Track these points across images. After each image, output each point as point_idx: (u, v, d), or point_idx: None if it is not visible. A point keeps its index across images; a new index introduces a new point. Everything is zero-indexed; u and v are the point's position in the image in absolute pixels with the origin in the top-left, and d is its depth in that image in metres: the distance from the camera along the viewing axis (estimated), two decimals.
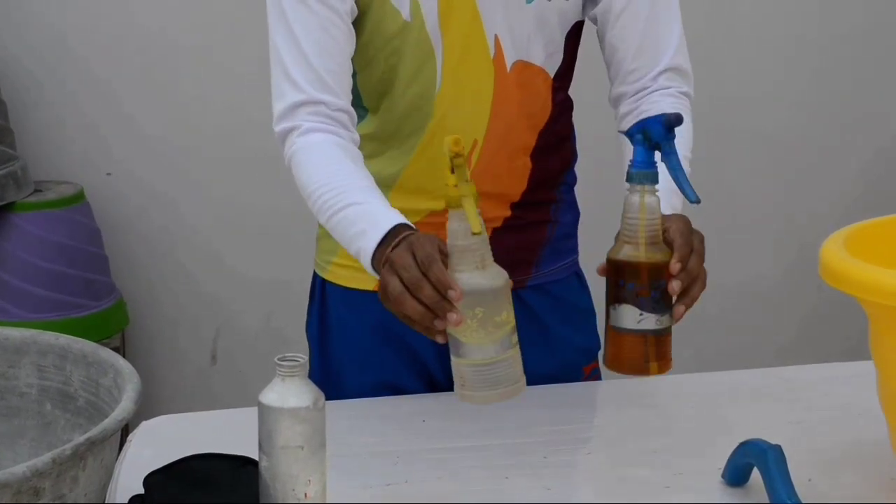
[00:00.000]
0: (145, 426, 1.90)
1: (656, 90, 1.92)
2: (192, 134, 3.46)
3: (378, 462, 1.77)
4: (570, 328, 2.06)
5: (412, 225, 1.70)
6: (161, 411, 1.97)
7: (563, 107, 1.99)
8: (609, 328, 1.54)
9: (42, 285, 3.23)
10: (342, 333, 2.04)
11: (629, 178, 1.52)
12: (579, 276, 2.10)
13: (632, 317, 1.52)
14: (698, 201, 1.51)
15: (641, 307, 1.51)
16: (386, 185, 1.91)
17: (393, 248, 1.66)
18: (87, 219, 3.35)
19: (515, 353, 1.49)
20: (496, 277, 1.47)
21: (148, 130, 3.45)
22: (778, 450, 1.62)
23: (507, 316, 1.48)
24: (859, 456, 1.76)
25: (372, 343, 2.00)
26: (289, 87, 1.83)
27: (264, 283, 3.43)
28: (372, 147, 1.94)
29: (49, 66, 3.43)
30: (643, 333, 1.52)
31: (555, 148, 1.97)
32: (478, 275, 1.47)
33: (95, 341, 1.62)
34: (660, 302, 1.51)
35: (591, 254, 2.19)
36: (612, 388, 2.05)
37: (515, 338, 1.48)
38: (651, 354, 1.53)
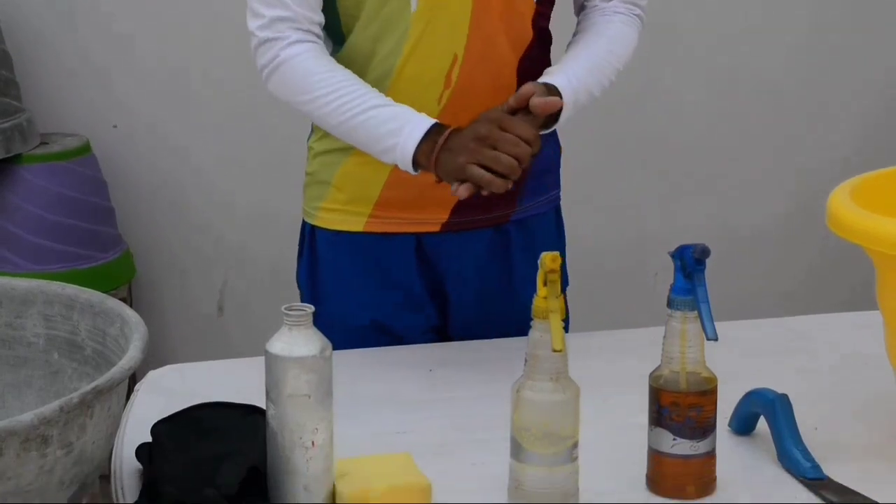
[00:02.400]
0: (152, 376, 1.90)
1: (610, 7, 2.00)
2: (199, 86, 3.45)
3: (386, 411, 1.78)
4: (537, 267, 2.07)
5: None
6: (168, 362, 1.98)
7: (543, 35, 1.99)
8: (648, 447, 1.56)
9: (48, 237, 3.23)
10: (333, 277, 2.05)
11: (669, 304, 1.52)
12: (558, 213, 2.12)
13: (666, 441, 1.53)
14: (716, 339, 1.51)
15: (675, 432, 1.52)
16: None
17: (447, 138, 1.80)
18: (94, 171, 3.34)
19: (574, 468, 1.51)
20: (566, 391, 1.49)
21: (154, 82, 3.44)
22: (784, 399, 1.62)
23: (573, 430, 1.50)
24: (866, 405, 1.76)
25: (364, 284, 2.01)
26: (270, 2, 1.88)
27: (272, 234, 3.43)
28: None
29: (54, 18, 3.41)
30: (677, 458, 1.53)
31: (536, 77, 1.94)
32: (550, 387, 1.48)
33: (102, 293, 1.62)
34: (696, 429, 1.52)
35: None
36: (610, 338, 2.06)
37: (577, 453, 1.51)
38: (689, 478, 1.54)
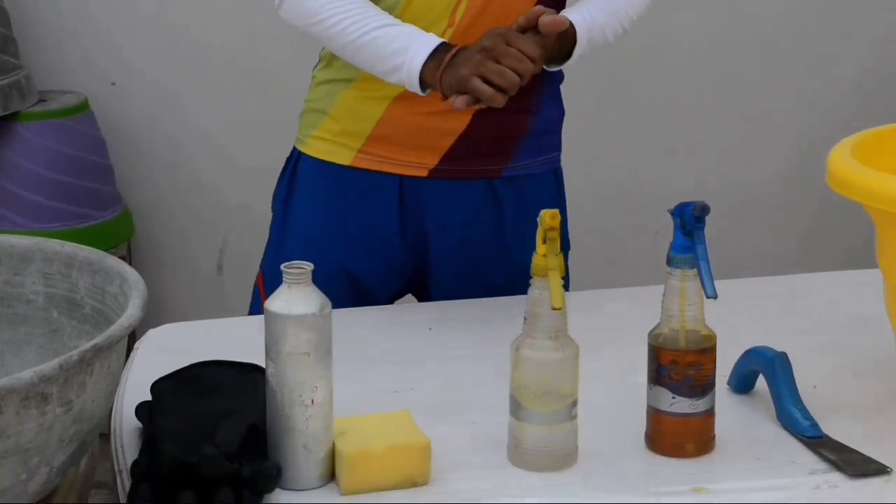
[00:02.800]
0: (152, 334, 1.90)
1: None
2: (199, 43, 3.43)
3: (385, 369, 1.78)
4: (532, 229, 2.04)
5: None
6: (168, 322, 1.98)
7: None
8: (647, 405, 1.55)
9: (47, 195, 3.22)
10: (307, 204, 2.04)
11: (668, 262, 1.51)
12: (557, 175, 2.10)
13: (665, 399, 1.53)
14: (715, 297, 1.51)
15: (674, 391, 1.52)
16: None
17: (454, 55, 1.80)
18: (92, 128, 3.33)
19: (573, 426, 1.51)
20: (566, 350, 1.49)
21: (153, 39, 3.43)
22: (783, 357, 1.62)
23: (572, 389, 1.50)
24: (865, 363, 1.76)
25: (338, 221, 2.00)
26: None
27: (272, 192, 3.42)
28: None
29: None
30: (676, 416, 1.53)
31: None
32: (549, 345, 1.48)
33: (102, 251, 1.61)
34: (695, 387, 1.52)
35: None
36: (610, 297, 2.06)
37: (576, 411, 1.51)
38: (688, 436, 1.54)
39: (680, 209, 1.52)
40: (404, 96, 1.91)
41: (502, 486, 1.48)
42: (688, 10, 3.52)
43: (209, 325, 2.02)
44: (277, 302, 1.45)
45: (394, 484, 1.47)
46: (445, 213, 2.01)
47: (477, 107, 1.80)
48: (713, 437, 1.56)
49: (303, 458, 1.46)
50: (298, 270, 1.45)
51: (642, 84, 3.57)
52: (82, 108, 3.32)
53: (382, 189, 2.00)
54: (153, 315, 1.79)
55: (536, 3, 1.91)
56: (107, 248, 3.15)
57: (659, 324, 1.54)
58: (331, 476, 1.48)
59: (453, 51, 1.82)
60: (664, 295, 1.53)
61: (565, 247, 2.08)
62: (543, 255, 1.47)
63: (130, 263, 3.36)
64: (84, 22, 3.41)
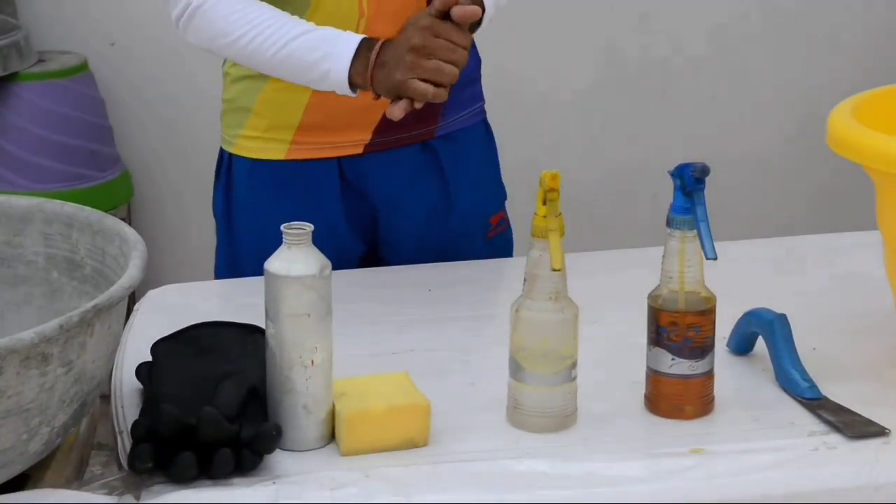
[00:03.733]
0: (152, 295, 1.90)
1: None
2: None
3: (385, 330, 1.78)
4: (474, 180, 2.06)
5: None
6: (167, 283, 1.98)
7: None
8: (647, 367, 1.55)
9: (46, 156, 3.22)
10: (251, 208, 2.01)
11: (668, 223, 1.51)
12: (486, 124, 2.10)
13: (664, 361, 1.53)
14: (715, 258, 1.50)
15: (673, 352, 1.52)
16: None
17: (379, 53, 1.73)
18: (91, 89, 3.33)
19: (573, 388, 1.51)
20: (566, 311, 1.49)
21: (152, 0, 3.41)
22: (783, 319, 1.63)
23: (571, 350, 1.50)
24: (865, 325, 1.76)
25: (284, 215, 1.92)
26: None
27: None
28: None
29: None
30: (676, 378, 1.53)
31: None
32: (549, 306, 1.48)
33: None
34: (694, 349, 1.52)
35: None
36: (609, 258, 2.06)
37: (575, 373, 1.51)
38: (687, 398, 1.54)
39: (680, 170, 1.52)
40: None
41: (501, 447, 1.48)
42: None
43: (209, 287, 2.02)
44: (277, 263, 1.45)
45: (393, 445, 1.47)
46: (388, 183, 2.00)
47: (417, 107, 1.74)
48: (712, 399, 1.56)
49: (303, 418, 1.46)
50: (298, 231, 1.45)
51: (643, 48, 3.56)
52: (81, 68, 3.31)
53: (322, 175, 1.98)
54: (152, 276, 1.78)
55: None
56: (106, 210, 3.14)
57: (658, 285, 1.54)
58: (331, 437, 1.48)
59: (377, 46, 1.75)
60: (664, 256, 1.53)
61: (502, 196, 2.10)
62: (543, 216, 1.47)
63: (130, 225, 3.37)
64: None
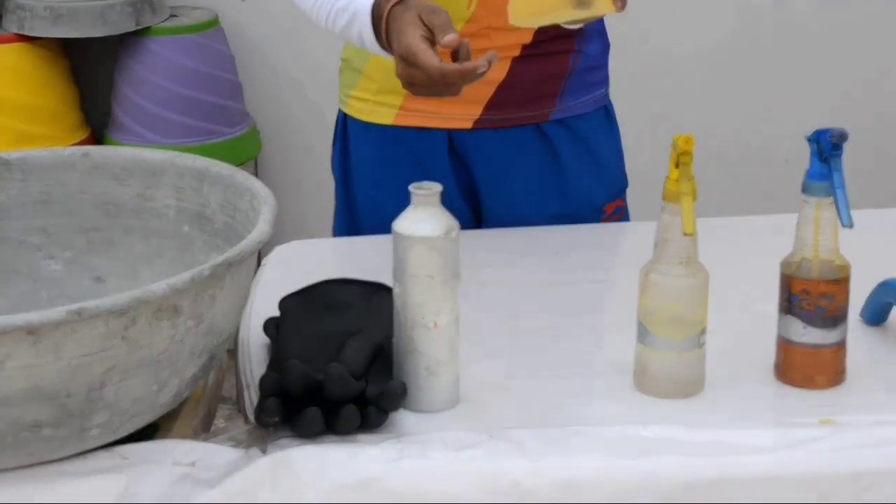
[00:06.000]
0: (280, 250, 1.92)
1: None
2: None
3: (509, 293, 1.77)
4: (590, 167, 2.01)
5: None
6: (294, 239, 1.99)
7: None
8: (778, 335, 1.53)
9: (176, 110, 3.26)
10: (364, 170, 2.02)
11: (804, 189, 1.48)
12: (608, 110, 2.05)
13: (796, 329, 1.51)
14: (851, 226, 1.47)
15: (805, 321, 1.49)
16: None
17: (386, 31, 1.68)
18: (222, 45, 3.36)
19: (701, 354, 1.49)
20: (696, 276, 1.47)
21: None
22: None
23: (701, 316, 1.48)
24: None
25: (394, 178, 1.91)
26: None
27: None
28: None
29: None
30: (807, 347, 1.50)
31: None
32: (679, 270, 1.46)
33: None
34: (827, 318, 1.49)
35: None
36: (739, 224, 2.03)
37: (704, 338, 1.49)
38: (818, 367, 1.51)
39: (817, 136, 1.49)
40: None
41: (627, 412, 1.47)
42: None
43: (338, 244, 2.03)
44: (404, 222, 1.44)
45: None
46: (496, 161, 1.98)
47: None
48: (844, 370, 1.53)
49: (424, 380, 1.45)
50: (426, 191, 1.44)
51: (776, 17, 3.50)
52: (213, 24, 3.34)
53: (430, 142, 1.96)
54: (278, 232, 1.79)
55: None
56: (235, 165, 3.19)
57: (792, 252, 1.51)
58: (456, 401, 1.48)
59: (385, 15, 1.69)
60: (798, 223, 1.50)
61: (623, 184, 2.06)
62: (676, 180, 1.45)
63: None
64: None
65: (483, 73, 1.59)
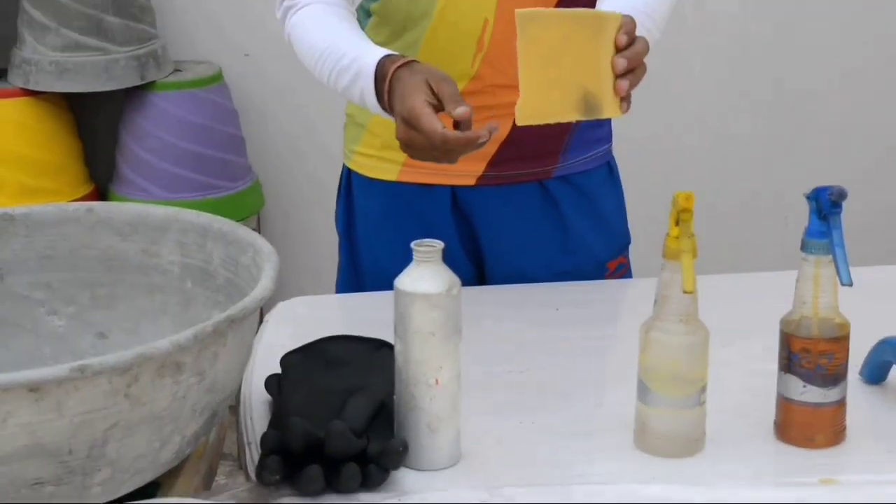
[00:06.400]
0: (282, 306, 1.92)
1: None
2: None
3: (509, 349, 1.77)
4: (593, 223, 2.02)
5: (391, 53, 1.72)
6: (295, 294, 1.99)
7: None
8: (777, 393, 1.53)
9: (180, 165, 3.27)
10: (367, 225, 2.02)
11: (803, 247, 1.49)
12: (611, 166, 2.06)
13: (796, 388, 1.51)
14: (850, 284, 1.47)
15: (805, 379, 1.50)
16: None
17: (389, 92, 1.68)
18: (225, 99, 3.37)
19: (701, 412, 1.50)
20: (696, 334, 1.47)
21: None
22: None
23: (702, 374, 1.48)
24: None
25: (398, 234, 1.90)
26: None
27: None
28: (380, 41, 1.88)
29: None
30: (807, 405, 1.50)
31: None
32: (679, 328, 1.47)
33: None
34: (827, 376, 1.49)
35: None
36: (739, 281, 2.03)
37: (704, 397, 1.49)
38: (818, 426, 1.51)
39: (816, 193, 1.49)
40: None
41: (628, 470, 1.47)
42: None
43: (340, 300, 2.03)
44: (405, 279, 1.45)
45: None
46: (500, 217, 1.98)
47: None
48: (844, 428, 1.53)
49: (426, 437, 1.45)
50: (427, 248, 1.45)
51: (772, 71, 3.53)
52: (216, 78, 3.36)
53: (434, 199, 1.97)
54: (281, 288, 1.80)
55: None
56: (238, 220, 3.19)
57: (791, 310, 1.52)
58: (457, 458, 1.48)
59: (387, 86, 1.70)
60: (797, 281, 1.51)
61: (626, 241, 2.06)
62: (676, 237, 1.46)
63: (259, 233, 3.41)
64: None
65: (483, 143, 1.61)
